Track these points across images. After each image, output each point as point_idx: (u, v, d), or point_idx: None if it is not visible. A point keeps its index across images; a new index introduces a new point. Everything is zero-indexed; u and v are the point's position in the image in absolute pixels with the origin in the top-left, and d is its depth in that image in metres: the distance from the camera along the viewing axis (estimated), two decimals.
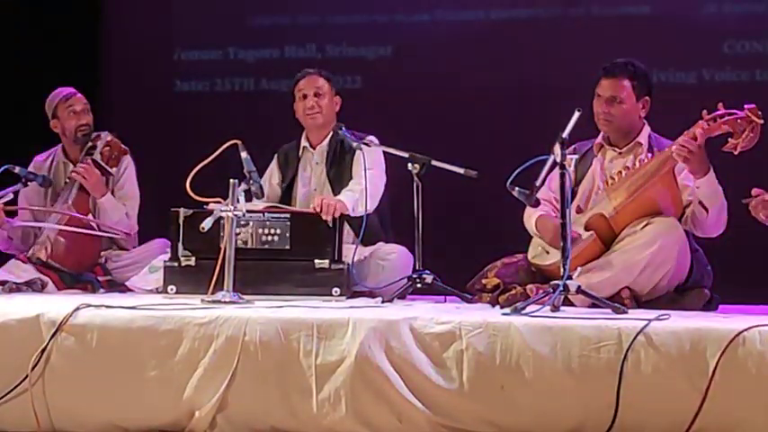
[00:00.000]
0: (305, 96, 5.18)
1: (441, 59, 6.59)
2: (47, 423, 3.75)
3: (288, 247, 4.65)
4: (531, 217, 4.65)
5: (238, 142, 4.53)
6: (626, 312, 3.95)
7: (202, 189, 4.40)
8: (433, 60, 6.59)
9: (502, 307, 4.26)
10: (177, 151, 6.01)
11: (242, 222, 4.57)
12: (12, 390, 3.74)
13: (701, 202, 4.37)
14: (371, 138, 4.97)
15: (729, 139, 4.23)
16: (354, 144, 4.92)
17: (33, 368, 3.73)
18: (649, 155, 4.52)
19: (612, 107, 4.58)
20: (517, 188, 4.17)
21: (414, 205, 4.66)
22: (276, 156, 5.35)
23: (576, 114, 4.16)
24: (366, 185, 4.79)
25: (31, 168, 5.53)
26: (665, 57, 6.19)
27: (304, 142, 5.28)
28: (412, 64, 6.65)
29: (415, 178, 4.66)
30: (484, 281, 4.63)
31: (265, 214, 4.68)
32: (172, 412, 3.70)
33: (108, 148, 5.42)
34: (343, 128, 4.99)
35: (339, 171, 5.16)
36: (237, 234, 4.51)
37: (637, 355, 3.46)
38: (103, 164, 5.39)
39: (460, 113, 6.45)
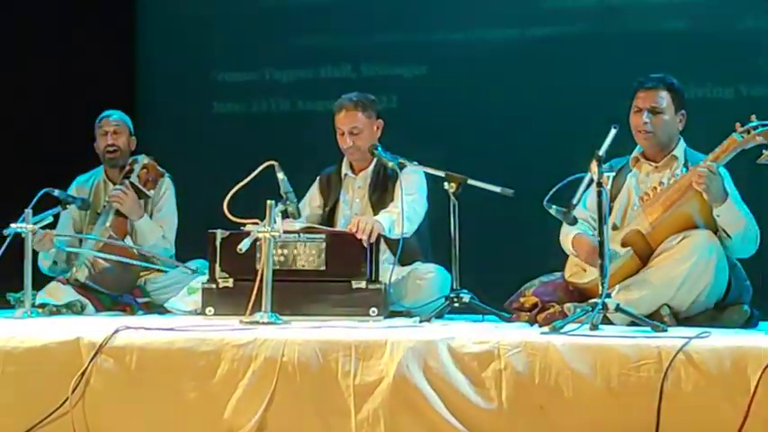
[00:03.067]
0: (342, 133, 5.18)
1: (476, 77, 6.59)
2: None
3: (324, 267, 4.65)
4: (567, 236, 4.63)
5: (275, 163, 4.55)
6: (665, 330, 3.92)
7: (240, 210, 4.42)
8: (468, 78, 6.59)
9: (540, 326, 4.25)
10: (214, 172, 6.04)
11: (279, 243, 4.58)
12: (53, 412, 3.75)
13: (723, 230, 4.35)
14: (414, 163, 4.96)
15: (764, 151, 4.19)
16: (390, 164, 4.92)
17: (74, 390, 3.75)
18: (684, 169, 4.50)
19: (653, 118, 4.55)
20: (554, 206, 4.16)
21: (450, 224, 4.66)
22: (318, 179, 5.36)
23: (613, 132, 4.15)
24: (403, 207, 4.79)
25: (72, 187, 5.60)
26: (702, 72, 6.16)
27: (345, 169, 5.28)
28: (448, 82, 6.65)
29: (452, 197, 4.66)
30: (522, 300, 4.62)
31: (302, 235, 4.69)
32: None
33: (145, 170, 5.47)
34: (380, 147, 5.00)
35: (382, 195, 5.14)
36: (275, 255, 4.52)
37: (677, 373, 3.43)
38: (141, 186, 5.44)
39: (497, 132, 6.44)
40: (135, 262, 5.28)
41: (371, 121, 5.17)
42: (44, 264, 5.42)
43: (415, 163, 4.95)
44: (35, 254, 5.11)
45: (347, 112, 5.14)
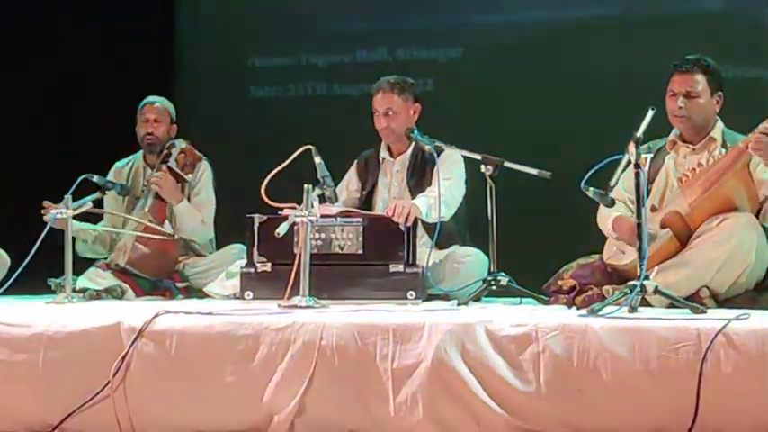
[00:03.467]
0: (378, 115, 5.18)
1: (511, 60, 6.58)
2: (128, 428, 3.79)
3: (362, 251, 4.67)
4: (606, 218, 4.62)
5: (312, 147, 4.56)
6: (704, 312, 3.90)
7: (277, 194, 4.44)
8: (503, 61, 6.58)
9: (578, 308, 4.24)
10: (252, 157, 6.07)
11: (316, 227, 4.60)
12: (94, 396, 3.78)
13: None
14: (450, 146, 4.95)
15: None
16: (427, 147, 4.92)
17: (114, 374, 3.77)
18: (723, 150, 4.47)
19: (688, 102, 4.53)
20: (592, 188, 4.14)
21: (487, 207, 4.66)
22: (356, 163, 5.38)
23: (650, 113, 4.12)
24: (439, 191, 4.79)
25: (111, 173, 5.63)
26: (739, 52, 6.11)
27: (383, 153, 5.29)
28: (483, 65, 6.64)
29: (489, 180, 4.66)
30: (560, 282, 4.62)
31: (339, 219, 4.70)
32: (251, 417, 3.72)
33: (183, 155, 5.50)
34: (416, 131, 5.00)
35: (419, 179, 5.15)
36: (312, 239, 4.53)
37: (716, 355, 3.41)
38: (179, 171, 5.47)
39: (533, 114, 6.43)
40: (175, 237, 5.31)
41: (408, 104, 5.17)
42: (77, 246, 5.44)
43: (452, 146, 4.95)
44: (74, 239, 5.15)
45: (384, 93, 5.16)
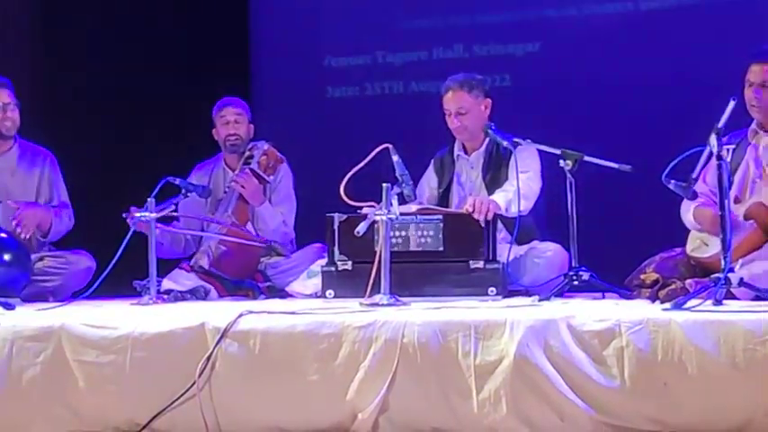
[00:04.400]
0: (450, 114, 5.18)
1: (590, 53, 6.53)
2: (214, 427, 3.83)
3: (442, 248, 4.67)
4: (688, 210, 4.57)
5: (390, 146, 4.56)
6: None
7: (356, 193, 4.46)
8: (582, 54, 6.54)
9: (662, 302, 4.20)
10: (330, 157, 6.09)
11: (396, 225, 4.61)
12: (181, 395, 3.82)
13: None
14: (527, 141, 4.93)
15: None
16: (505, 143, 4.91)
17: (200, 374, 3.81)
18: None
19: (765, 92, 4.47)
20: (673, 181, 4.10)
21: (567, 202, 4.63)
22: (432, 161, 5.39)
23: (731, 104, 4.07)
24: (519, 186, 4.77)
25: (192, 176, 5.70)
26: None
27: (458, 150, 5.30)
28: (561, 59, 6.60)
29: (568, 175, 4.63)
30: (642, 276, 4.57)
31: (418, 216, 4.71)
32: (334, 415, 3.74)
33: (265, 157, 5.54)
34: (493, 127, 4.99)
35: (495, 175, 5.15)
36: (392, 237, 4.55)
37: None
38: (261, 172, 5.51)
39: (611, 107, 6.38)
40: (257, 244, 5.35)
41: (478, 100, 5.17)
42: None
43: (529, 141, 4.92)
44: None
45: (453, 93, 5.16)
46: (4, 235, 5.19)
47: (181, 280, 5.28)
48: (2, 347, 4.02)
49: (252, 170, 5.50)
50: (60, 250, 5.58)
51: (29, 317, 4.20)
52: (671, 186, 4.12)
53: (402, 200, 4.61)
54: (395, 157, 4.59)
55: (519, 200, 4.77)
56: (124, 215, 4.95)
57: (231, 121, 5.67)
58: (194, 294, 5.21)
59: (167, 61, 6.97)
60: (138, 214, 4.90)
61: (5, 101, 5.50)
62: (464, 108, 5.14)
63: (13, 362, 4.00)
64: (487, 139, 5.17)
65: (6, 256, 5.12)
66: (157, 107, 6.94)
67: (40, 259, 5.43)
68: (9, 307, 4.51)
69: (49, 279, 5.38)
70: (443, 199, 5.28)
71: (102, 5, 7.06)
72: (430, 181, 5.35)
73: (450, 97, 5.17)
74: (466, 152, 5.29)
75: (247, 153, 5.61)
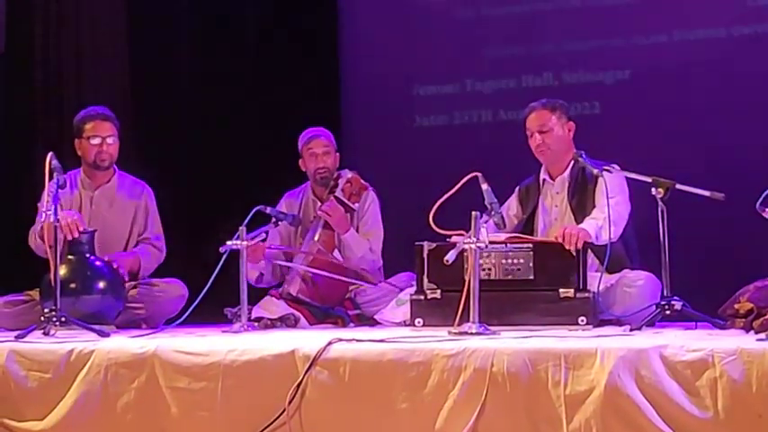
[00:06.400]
0: (532, 134, 5.17)
1: (680, 80, 6.46)
2: None
3: (531, 277, 4.65)
4: None
5: (479, 174, 4.56)
6: None
7: (445, 222, 4.46)
8: (672, 82, 6.47)
9: (756, 332, 4.13)
10: (419, 185, 6.11)
11: (485, 254, 4.60)
12: (272, 423, 3.85)
13: None
14: (614, 165, 4.89)
15: None
16: (595, 171, 4.87)
17: (290, 401, 3.84)
18: None
19: None
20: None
21: (659, 230, 4.58)
22: (517, 189, 5.38)
23: None
24: (609, 213, 4.74)
25: (282, 204, 5.75)
26: None
27: (543, 174, 5.28)
28: (651, 86, 6.54)
29: (660, 203, 4.58)
30: (736, 306, 4.50)
31: (508, 245, 4.69)
32: None
33: (349, 184, 5.56)
34: (584, 155, 4.96)
35: (581, 200, 5.12)
36: (481, 265, 4.54)
37: None
38: (345, 200, 5.54)
39: (702, 134, 6.30)
40: (343, 279, 5.37)
41: (561, 121, 5.17)
42: (251, 275, 5.52)
43: (617, 167, 4.88)
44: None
45: (536, 112, 5.19)
46: (99, 263, 5.27)
47: (271, 307, 5.32)
48: (97, 374, 4.10)
49: (337, 198, 5.54)
50: (153, 278, 5.65)
51: (123, 344, 4.27)
52: (765, 215, 4.06)
53: (492, 228, 4.61)
54: (484, 186, 4.58)
55: (610, 227, 4.73)
56: (222, 249, 4.99)
57: (319, 153, 5.69)
58: (284, 322, 5.25)
59: (257, 90, 7.05)
60: (229, 243, 4.96)
61: (107, 133, 5.61)
62: (546, 126, 5.14)
63: (108, 388, 4.08)
64: (572, 163, 5.15)
65: (101, 284, 5.20)
66: (248, 136, 7.03)
67: (134, 287, 5.51)
68: (104, 334, 4.59)
69: (142, 307, 5.46)
70: (527, 225, 5.26)
71: (191, 37, 7.20)
72: (509, 209, 5.33)
73: (532, 117, 5.19)
74: (551, 177, 5.27)
75: (332, 182, 5.64)
